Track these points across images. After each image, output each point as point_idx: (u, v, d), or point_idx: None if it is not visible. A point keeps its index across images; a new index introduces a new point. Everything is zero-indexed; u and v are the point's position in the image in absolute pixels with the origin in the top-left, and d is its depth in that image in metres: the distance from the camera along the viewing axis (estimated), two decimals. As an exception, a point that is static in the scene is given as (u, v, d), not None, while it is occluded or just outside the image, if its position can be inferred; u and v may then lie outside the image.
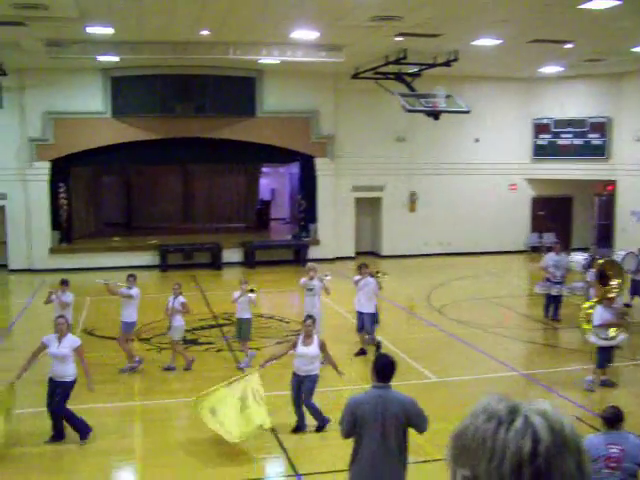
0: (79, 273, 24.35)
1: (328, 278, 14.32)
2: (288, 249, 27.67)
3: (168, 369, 13.64)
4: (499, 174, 29.10)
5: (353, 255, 28.13)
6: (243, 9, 16.45)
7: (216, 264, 26.08)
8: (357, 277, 14.65)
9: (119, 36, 19.29)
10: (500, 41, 19.85)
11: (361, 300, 14.61)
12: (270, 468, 9.91)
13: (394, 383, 6.75)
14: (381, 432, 6.45)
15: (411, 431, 6.67)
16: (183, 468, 9.48)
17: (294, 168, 31.03)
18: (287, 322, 17.64)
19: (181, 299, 13.57)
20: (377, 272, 14.90)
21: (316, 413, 10.57)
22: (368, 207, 28.88)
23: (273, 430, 10.37)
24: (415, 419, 6.55)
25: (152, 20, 17.56)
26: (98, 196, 31.76)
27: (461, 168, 28.72)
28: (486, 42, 20.06)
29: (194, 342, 15.84)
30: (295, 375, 10.57)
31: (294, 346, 10.58)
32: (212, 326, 17.32)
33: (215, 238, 27.80)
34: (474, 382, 13.14)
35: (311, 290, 14.21)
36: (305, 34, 19.07)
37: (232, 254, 26.85)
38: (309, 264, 14.87)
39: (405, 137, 28.06)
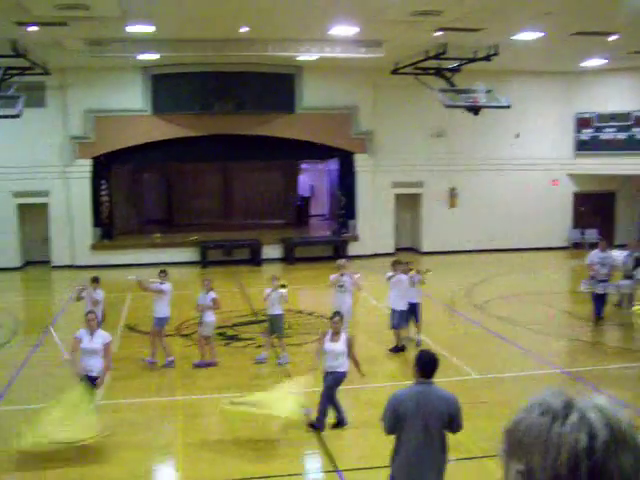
0: (120, 269, 24.64)
1: (357, 276, 14.25)
2: (327, 245, 27.67)
3: (198, 366, 13.71)
4: (540, 169, 28.77)
5: (392, 251, 28.01)
6: (283, 6, 16.46)
7: (256, 260, 26.18)
8: (389, 274, 14.57)
9: (159, 34, 19.42)
10: (542, 34, 19.56)
11: (394, 297, 14.53)
12: (310, 464, 9.91)
13: (435, 379, 6.70)
14: (423, 428, 6.41)
15: (453, 428, 6.62)
16: (221, 463, 9.51)
17: (333, 164, 31.00)
18: (327, 318, 17.60)
19: (212, 295, 13.61)
20: (427, 270, 14.87)
21: (323, 411, 10.45)
22: (408, 203, 28.75)
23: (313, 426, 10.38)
24: (457, 416, 6.49)
25: (192, 18, 17.65)
26: (139, 193, 32.04)
27: (502, 163, 28.44)
28: (527, 36, 19.80)
29: (235, 338, 15.92)
30: (325, 373, 10.59)
31: (322, 342, 10.58)
32: (252, 322, 17.38)
33: (254, 234, 27.91)
34: (515, 379, 13.02)
35: (341, 287, 14.17)
36: (344, 30, 19.02)
37: (272, 250, 26.95)
38: (339, 261, 14.78)
39: (445, 133, 27.87)
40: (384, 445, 6.92)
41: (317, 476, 9.58)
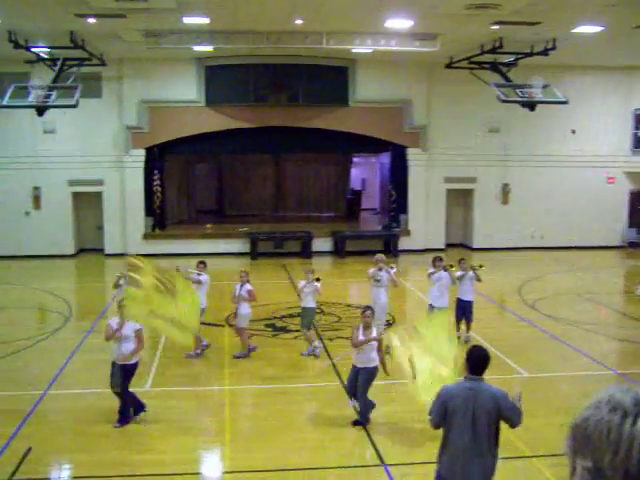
0: (171, 259, 24.88)
1: (394, 271, 14.11)
2: (378, 239, 27.59)
3: (239, 357, 13.76)
4: (596, 166, 28.23)
5: (443, 247, 27.83)
6: (337, -2, 16.43)
7: (306, 253, 26.22)
8: (431, 270, 14.39)
9: (214, 26, 19.54)
10: (602, 28, 19.15)
11: (434, 294, 14.35)
12: (356, 457, 9.88)
13: (485, 377, 6.62)
14: (471, 425, 6.35)
15: (502, 426, 6.54)
16: (268, 453, 9.55)
17: (385, 158, 30.90)
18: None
19: (248, 287, 13.64)
20: (480, 265, 14.70)
21: (364, 409, 10.36)
22: (460, 198, 28.51)
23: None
24: (507, 412, 6.41)
25: (247, 10, 17.70)
26: (191, 183, 32.35)
27: (556, 160, 27.99)
28: (587, 29, 19.38)
29: (283, 330, 15.96)
30: (353, 366, 10.53)
31: (355, 337, 10.49)
32: (299, 315, 17.39)
33: (305, 227, 27.96)
34: (567, 379, 12.82)
35: (378, 281, 14.05)
36: (399, 23, 18.89)
37: (322, 243, 26.97)
38: (377, 255, 14.62)
39: (499, 128, 27.55)
40: (431, 441, 6.87)
41: (364, 470, 9.55)
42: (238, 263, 24.82)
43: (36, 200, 26.11)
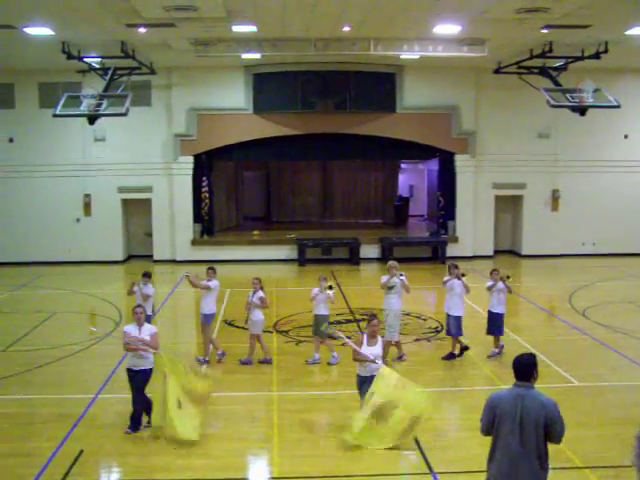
0: (219, 265, 25.06)
1: (402, 278, 13.87)
2: (426, 246, 27.45)
3: (245, 363, 13.80)
4: (650, 172, 27.70)
5: (492, 254, 27.58)
6: (386, 4, 16.38)
7: (354, 260, 26.20)
8: (446, 278, 14.23)
9: (262, 34, 19.67)
10: (655, 29, 18.79)
11: (448, 303, 14.19)
12: (405, 465, 9.81)
13: (535, 385, 6.52)
14: (519, 432, 6.26)
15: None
16: (315, 460, 9.54)
17: (433, 164, 30.73)
18: (424, 319, 17.49)
19: (260, 294, 13.67)
20: (507, 276, 14.23)
21: None
22: (509, 205, 28.22)
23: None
24: (555, 423, 6.27)
25: (295, 17, 17.78)
26: (239, 190, 32.56)
27: (608, 165, 27.53)
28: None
29: (330, 337, 15.92)
30: (358, 376, 10.45)
31: (360, 345, 10.40)
32: (349, 321, 17.40)
33: (353, 233, 27.95)
34: (618, 389, 12.57)
35: (391, 288, 13.86)
36: (447, 28, 18.77)
37: (370, 250, 26.93)
38: (390, 262, 14.41)
39: (549, 133, 27.20)
40: (481, 449, 6.79)
41: (412, 478, 9.48)
42: (286, 270, 24.95)
43: (86, 207, 26.56)
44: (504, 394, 6.56)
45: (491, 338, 14.43)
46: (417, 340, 15.62)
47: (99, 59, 21.61)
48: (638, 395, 12.02)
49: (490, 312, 14.30)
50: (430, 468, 9.20)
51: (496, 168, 27.17)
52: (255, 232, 28.93)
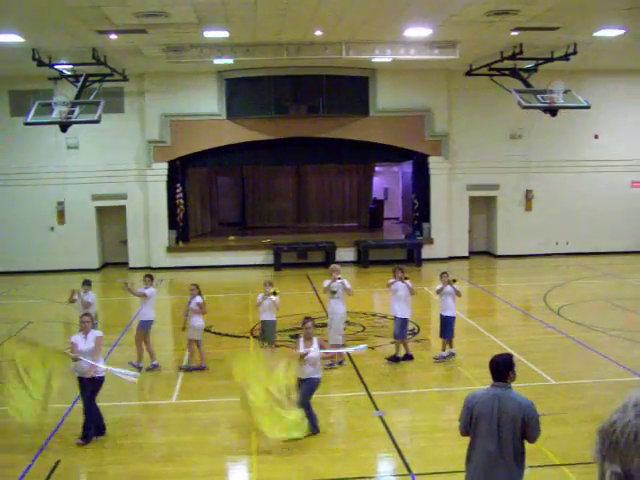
0: (195, 271, 25.06)
1: (343, 281, 13.73)
2: (401, 248, 27.55)
3: (186, 370, 13.70)
4: (620, 171, 28.01)
5: (467, 255, 27.75)
6: (357, 9, 16.45)
7: (329, 263, 26.19)
8: (390, 280, 14.15)
9: (234, 39, 19.67)
10: (623, 31, 19.03)
11: (393, 305, 14.12)
12: (383, 467, 9.85)
13: (512, 385, 6.57)
14: (496, 432, 6.30)
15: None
16: (294, 465, 9.54)
17: (407, 167, 30.87)
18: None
19: (198, 299, 13.67)
20: (454, 280, 14.12)
21: (308, 415, 10.18)
22: (482, 206, 28.41)
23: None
24: (532, 423, 6.32)
25: (266, 22, 17.80)
26: (213, 196, 32.52)
27: (579, 165, 27.82)
28: (608, 33, 19.25)
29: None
30: (298, 379, 10.35)
31: (295, 349, 10.39)
32: (325, 325, 17.37)
33: (328, 237, 28.00)
34: (595, 386, 12.69)
35: (334, 293, 13.83)
36: (418, 31, 18.89)
37: (345, 253, 26.98)
38: (332, 265, 14.41)
39: (521, 134, 27.44)
40: (459, 450, 6.83)
41: (391, 479, 9.51)
42: (262, 275, 24.89)
43: (60, 215, 26.38)
44: (481, 394, 6.59)
45: (469, 339, 14.50)
46: (393, 342, 15.63)
47: (70, 66, 21.49)
48: (614, 392, 12.13)
49: (441, 315, 14.22)
50: (409, 469, 9.22)
51: (470, 169, 27.35)
52: (230, 237, 28.87)
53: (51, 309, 20.40)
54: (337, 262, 26.08)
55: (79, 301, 14.06)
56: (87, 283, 14.40)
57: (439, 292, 14.16)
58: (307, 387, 10.27)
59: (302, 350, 10.31)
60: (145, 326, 14.04)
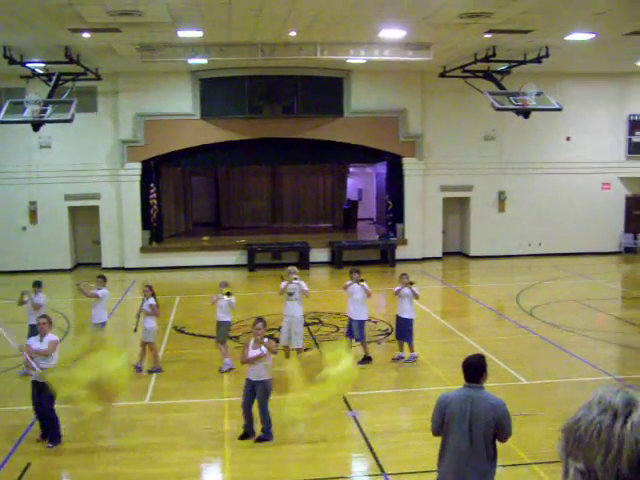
0: (169, 272, 24.95)
1: (299, 283, 13.75)
2: (375, 249, 27.61)
3: (139, 369, 13.54)
4: (591, 173, 28.29)
5: (440, 255, 27.88)
6: (331, 9, 16.47)
7: (304, 264, 26.22)
8: (347, 282, 14.14)
9: (208, 39, 19.61)
10: (593, 35, 19.24)
11: (349, 307, 14.11)
12: (356, 467, 9.88)
13: (484, 384, 6.62)
14: (468, 432, 6.34)
15: (502, 432, 6.54)
16: (268, 465, 9.54)
17: (381, 168, 30.94)
18: (374, 322, 17.57)
19: (151, 301, 13.53)
20: (411, 282, 14.09)
21: (266, 423, 10.21)
22: (456, 207, 28.56)
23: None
24: (504, 423, 6.38)
25: (241, 22, 17.77)
26: (187, 196, 32.38)
27: (552, 167, 28.06)
28: (579, 36, 19.46)
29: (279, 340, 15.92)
30: (247, 380, 10.35)
31: (246, 352, 10.33)
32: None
33: (302, 238, 27.99)
34: (566, 385, 12.82)
35: (291, 295, 13.76)
36: (392, 33, 18.95)
37: (320, 254, 26.98)
38: (289, 267, 14.36)
39: (494, 136, 27.62)
40: (431, 449, 6.87)
41: (364, 479, 9.54)
42: (236, 275, 24.85)
43: (32, 215, 26.11)
44: (454, 395, 6.63)
45: (442, 339, 14.56)
46: (367, 343, 15.67)
47: (43, 64, 21.29)
48: (584, 391, 12.25)
49: (398, 317, 14.20)
50: (382, 469, 9.26)
51: (443, 171, 27.47)
52: (204, 238, 28.78)
53: (22, 310, 20.15)
54: (311, 263, 26.20)
55: (29, 303, 13.81)
56: (37, 284, 14.01)
57: (397, 294, 14.13)
58: (263, 390, 10.20)
59: (251, 352, 10.24)
60: (98, 328, 13.82)
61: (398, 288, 14.09)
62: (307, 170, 33.56)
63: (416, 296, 14.04)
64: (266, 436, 10.19)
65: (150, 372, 13.60)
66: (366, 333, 14.50)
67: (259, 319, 10.62)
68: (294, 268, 14.22)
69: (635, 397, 1.42)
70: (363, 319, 14.08)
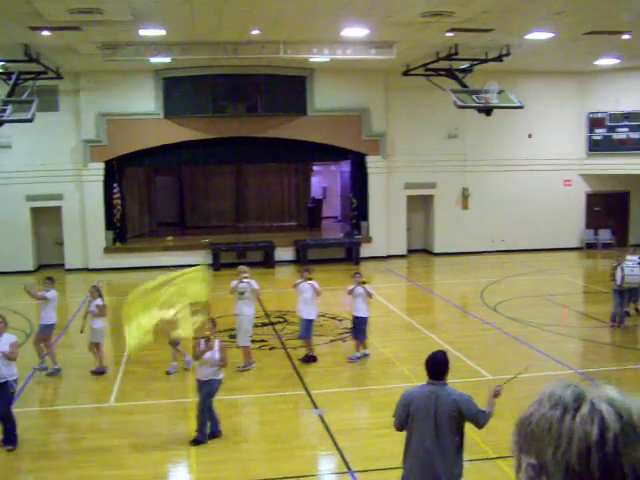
0: (133, 272, 24.74)
1: (250, 282, 13.71)
2: (340, 247, 27.67)
3: (97, 373, 13.42)
4: (553, 170, 28.64)
5: (405, 253, 28.02)
6: (293, 8, 16.47)
7: (269, 263, 26.21)
8: (298, 281, 14.17)
9: (171, 37, 19.49)
10: (553, 34, 19.50)
11: (299, 306, 14.08)
12: (323, 465, 9.91)
13: (449, 381, 6.69)
14: (433, 428, 6.39)
15: (467, 429, 6.60)
16: (235, 464, 9.53)
17: (345, 166, 31.02)
18: (340, 320, 17.62)
19: (98, 302, 13.45)
20: (363, 282, 14.12)
21: (202, 421, 10.19)
22: (420, 204, 28.72)
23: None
24: (471, 416, 6.46)
25: (203, 21, 17.69)
26: (152, 196, 32.15)
27: (514, 164, 28.34)
28: (539, 36, 19.70)
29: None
30: (197, 380, 10.36)
31: (197, 351, 10.32)
32: (265, 324, 17.39)
33: (267, 237, 27.96)
34: (530, 380, 12.91)
35: (242, 294, 13.69)
36: (355, 31, 19.01)
37: (285, 253, 26.96)
38: (239, 267, 14.28)
39: (457, 134, 27.82)
40: (397, 446, 6.92)
41: (330, 477, 9.57)
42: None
43: (-7, 216, 25.75)
44: (418, 391, 6.68)
45: (408, 336, 14.65)
46: (332, 341, 15.74)
47: (2, 63, 20.99)
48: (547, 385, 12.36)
49: (353, 316, 14.22)
50: (348, 467, 9.30)
51: (407, 168, 27.60)
52: (169, 238, 28.60)
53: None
54: (276, 261, 26.18)
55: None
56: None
57: (350, 293, 14.12)
58: (208, 390, 10.19)
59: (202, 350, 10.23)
60: (46, 330, 13.63)
61: (351, 287, 14.06)
62: (272, 169, 33.51)
63: (369, 295, 14.01)
64: (200, 436, 10.13)
65: (93, 373, 13.44)
66: (333, 331, 14.53)
67: (209, 320, 10.65)
68: (244, 267, 14.11)
69: (584, 392, 1.45)
70: (312, 318, 14.03)
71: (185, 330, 10.67)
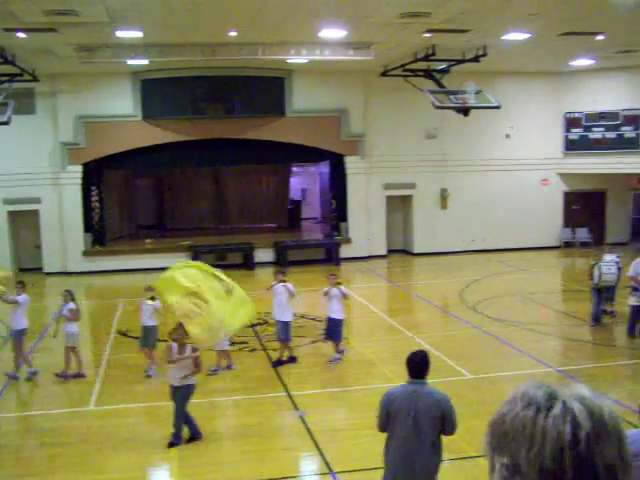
0: (113, 275, 24.63)
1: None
2: (320, 248, 27.67)
3: (65, 377, 13.30)
4: (531, 169, 28.83)
5: (385, 253, 28.07)
6: (271, 9, 16.47)
7: (249, 264, 26.16)
8: (273, 283, 14.13)
9: (148, 39, 19.42)
10: (529, 35, 19.64)
11: (275, 308, 14.08)
12: (305, 466, 9.90)
13: (429, 380, 6.71)
14: (413, 427, 6.42)
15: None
16: (216, 466, 9.51)
17: (324, 167, 31.04)
18: (320, 321, 17.61)
19: (70, 305, 13.34)
20: (338, 283, 14.04)
21: (178, 425, 10.15)
22: (399, 205, 28.79)
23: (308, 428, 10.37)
24: (449, 417, 6.49)
25: (180, 22, 17.64)
26: (131, 199, 32.01)
27: (492, 164, 28.49)
28: (515, 36, 19.85)
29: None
30: (171, 386, 10.33)
31: (170, 356, 10.26)
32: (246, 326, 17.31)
33: (247, 238, 27.94)
34: (509, 379, 13.02)
35: None
36: (333, 32, 19.04)
37: (264, 254, 26.92)
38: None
39: (435, 134, 27.92)
40: (378, 447, 6.93)
41: (312, 479, 9.57)
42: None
43: (-30, 220, 25.52)
44: (399, 390, 6.70)
45: (388, 337, 14.66)
46: (313, 342, 15.72)
47: (-24, 65, 20.84)
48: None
49: (328, 317, 14.14)
50: (329, 468, 9.30)
51: (386, 169, 27.66)
52: (148, 240, 28.49)
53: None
54: (256, 263, 26.13)
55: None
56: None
57: (326, 294, 14.08)
58: (182, 394, 10.14)
59: (175, 355, 10.17)
60: (19, 335, 13.46)
61: (327, 289, 14.02)
62: (251, 170, 33.46)
63: (345, 296, 13.98)
64: (176, 439, 10.09)
65: (74, 377, 13.31)
66: (313, 332, 14.50)
67: (180, 324, 10.49)
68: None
69: (556, 391, 1.47)
70: (287, 320, 13.97)
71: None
